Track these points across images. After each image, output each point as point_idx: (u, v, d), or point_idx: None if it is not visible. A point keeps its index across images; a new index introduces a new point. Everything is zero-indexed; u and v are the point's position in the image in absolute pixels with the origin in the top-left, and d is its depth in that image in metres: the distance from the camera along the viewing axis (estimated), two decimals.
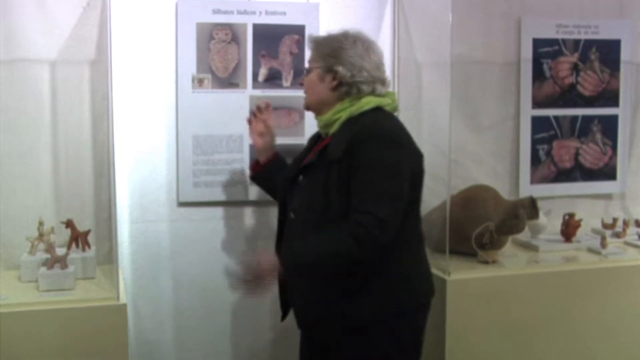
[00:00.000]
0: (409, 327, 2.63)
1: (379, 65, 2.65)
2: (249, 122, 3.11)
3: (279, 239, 2.85)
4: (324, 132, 2.70)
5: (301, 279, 2.64)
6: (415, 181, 2.58)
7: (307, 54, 2.83)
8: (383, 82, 2.65)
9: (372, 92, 2.61)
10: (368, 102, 2.59)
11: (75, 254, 3.02)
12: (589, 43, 3.88)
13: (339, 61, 2.59)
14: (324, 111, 2.66)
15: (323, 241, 2.47)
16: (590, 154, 3.95)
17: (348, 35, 2.66)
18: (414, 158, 2.59)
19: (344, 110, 2.59)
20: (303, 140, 3.35)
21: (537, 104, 3.82)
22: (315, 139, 2.80)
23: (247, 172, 3.31)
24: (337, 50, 2.61)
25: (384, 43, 3.52)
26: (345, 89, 2.60)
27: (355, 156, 2.46)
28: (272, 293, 3.48)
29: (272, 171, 3.06)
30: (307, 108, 2.75)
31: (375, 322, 2.55)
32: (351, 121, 2.57)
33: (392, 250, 2.49)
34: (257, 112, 3.10)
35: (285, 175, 2.82)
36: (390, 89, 2.71)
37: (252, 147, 3.33)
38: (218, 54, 3.30)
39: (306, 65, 2.78)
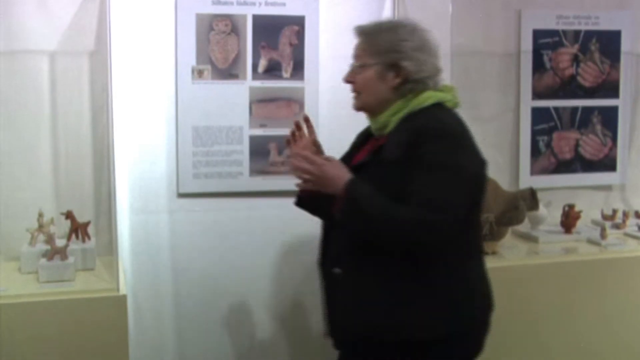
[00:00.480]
0: (473, 349, 2.45)
1: (438, 54, 2.42)
2: (288, 143, 2.69)
3: (324, 247, 2.58)
4: (378, 133, 2.44)
5: (350, 268, 2.36)
6: (478, 187, 2.36)
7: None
8: (440, 74, 2.43)
9: (435, 86, 2.39)
10: (429, 98, 2.35)
11: (75, 245, 3.02)
12: (589, 34, 3.87)
13: (404, 56, 2.34)
14: (380, 111, 2.40)
15: (394, 206, 2.20)
16: (590, 145, 3.95)
17: (404, 24, 2.41)
18: (477, 161, 2.34)
19: (403, 108, 2.35)
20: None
21: (537, 95, 3.82)
22: (364, 135, 2.57)
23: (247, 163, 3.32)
24: (399, 44, 2.35)
25: None
26: (411, 86, 2.35)
27: (417, 156, 2.22)
28: (268, 285, 3.50)
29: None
30: (361, 109, 2.47)
31: (438, 340, 2.30)
32: (410, 118, 2.33)
33: (455, 259, 2.31)
34: (298, 131, 2.67)
35: None
36: (448, 84, 2.48)
37: (252, 138, 3.34)
38: (218, 45, 3.29)
39: (351, 60, 2.47)
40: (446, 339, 2.31)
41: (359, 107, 2.47)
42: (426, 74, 2.35)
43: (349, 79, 2.46)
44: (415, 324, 2.28)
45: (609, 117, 3.96)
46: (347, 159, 2.54)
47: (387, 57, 2.36)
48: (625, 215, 3.87)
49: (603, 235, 3.60)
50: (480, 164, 2.35)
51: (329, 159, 2.39)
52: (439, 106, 2.36)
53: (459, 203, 2.22)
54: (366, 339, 2.36)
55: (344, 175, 2.30)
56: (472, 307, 2.40)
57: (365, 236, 2.29)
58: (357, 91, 2.44)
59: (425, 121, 2.30)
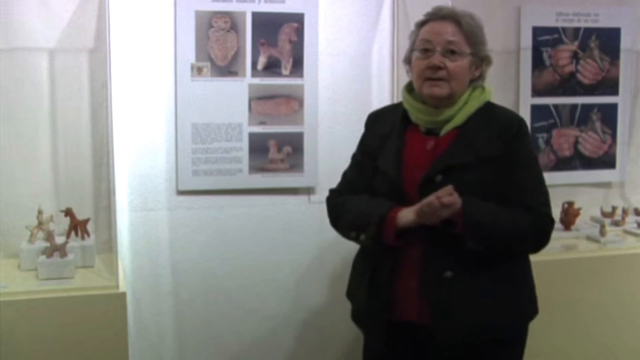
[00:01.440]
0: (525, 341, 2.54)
1: None
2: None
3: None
4: (435, 126, 2.38)
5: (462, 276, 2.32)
6: None
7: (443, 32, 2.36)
8: None
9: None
10: (490, 92, 2.44)
11: (74, 243, 3.02)
12: (589, 31, 3.86)
13: (485, 48, 2.41)
14: (449, 104, 2.36)
15: (509, 214, 2.27)
16: (590, 142, 3.95)
17: (469, 13, 2.40)
18: None
19: (474, 103, 2.37)
20: (302, 128, 3.37)
21: (536, 92, 3.81)
22: (398, 127, 2.45)
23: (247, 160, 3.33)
24: (480, 33, 2.39)
25: (384, 31, 3.52)
26: (481, 80, 2.43)
27: (512, 152, 2.30)
28: (268, 282, 3.50)
29: None
30: (447, 97, 2.35)
31: (520, 333, 2.48)
32: (484, 112, 2.38)
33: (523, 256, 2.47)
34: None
35: (407, 176, 2.39)
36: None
37: (251, 135, 3.34)
38: (217, 42, 3.29)
39: (449, 46, 2.34)
40: (524, 332, 2.49)
41: (446, 95, 2.35)
42: (489, 65, 2.45)
43: (438, 63, 2.33)
44: (508, 322, 2.38)
45: (609, 115, 3.95)
46: (391, 154, 2.41)
47: (480, 50, 2.39)
48: (625, 212, 3.87)
49: (602, 232, 3.60)
50: None
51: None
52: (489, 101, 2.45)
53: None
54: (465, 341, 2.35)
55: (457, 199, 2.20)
56: (533, 299, 2.52)
57: (494, 250, 2.31)
58: (443, 78, 2.34)
59: (508, 116, 2.41)
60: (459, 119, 2.35)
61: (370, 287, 2.43)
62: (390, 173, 2.40)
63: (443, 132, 2.38)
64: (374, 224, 2.31)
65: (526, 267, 2.48)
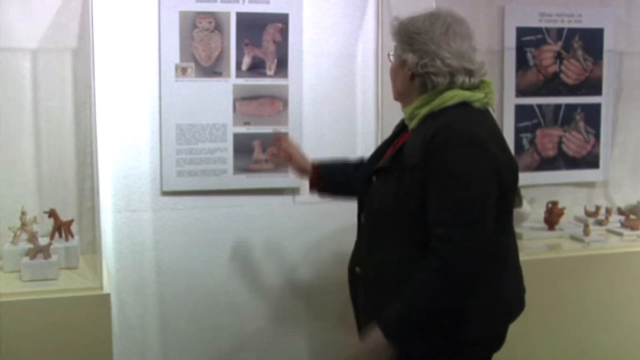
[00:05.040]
0: (493, 348, 2.45)
1: (462, 53, 2.28)
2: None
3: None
4: (408, 124, 2.39)
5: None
6: (505, 191, 2.24)
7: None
8: (469, 72, 2.29)
9: (453, 84, 2.27)
10: (452, 97, 2.25)
11: (58, 244, 3.01)
12: (572, 32, 3.88)
13: (411, 48, 2.29)
14: (406, 103, 2.36)
15: (413, 295, 2.17)
16: (574, 142, 3.97)
17: (431, 15, 2.32)
18: (501, 164, 2.22)
19: (424, 106, 2.29)
20: (287, 128, 3.36)
21: (520, 92, 3.83)
22: (401, 127, 2.50)
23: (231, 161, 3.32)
24: (412, 36, 2.29)
25: (368, 31, 3.53)
26: (419, 80, 2.29)
27: (432, 163, 2.16)
28: (252, 283, 3.50)
29: (327, 181, 2.80)
30: (396, 97, 2.44)
31: (470, 343, 2.31)
32: (430, 118, 2.25)
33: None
34: (276, 145, 2.86)
35: (363, 171, 2.54)
36: (487, 79, 2.36)
37: (236, 136, 3.33)
38: (201, 43, 3.28)
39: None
40: (480, 342, 2.35)
41: (395, 95, 2.44)
42: (431, 69, 2.26)
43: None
44: (455, 332, 2.28)
45: (592, 114, 3.98)
46: (381, 150, 2.53)
47: (401, 48, 2.35)
48: (608, 211, 3.89)
49: (586, 231, 3.62)
50: (505, 164, 2.24)
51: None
52: (464, 106, 2.27)
53: (477, 221, 2.14)
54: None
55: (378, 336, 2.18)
56: (500, 311, 2.37)
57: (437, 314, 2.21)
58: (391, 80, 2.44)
59: (442, 123, 2.21)
60: (413, 123, 2.33)
61: None
62: (364, 167, 2.55)
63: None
64: None
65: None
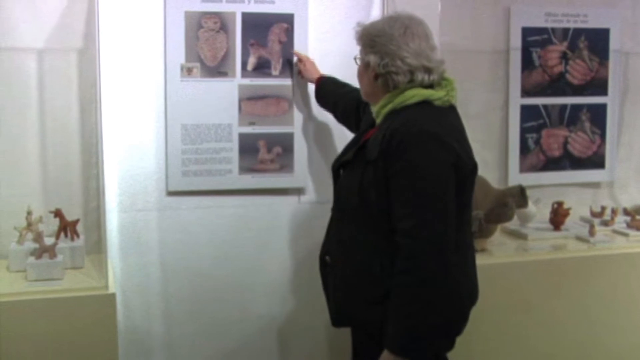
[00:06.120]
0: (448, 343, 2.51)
1: (420, 52, 2.40)
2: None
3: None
4: (375, 120, 2.53)
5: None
6: (463, 185, 2.36)
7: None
8: (428, 70, 2.41)
9: (413, 83, 2.39)
10: (413, 96, 2.38)
11: (63, 244, 3.01)
12: (578, 32, 3.88)
13: (372, 50, 2.43)
14: (374, 102, 2.50)
15: (403, 305, 2.29)
16: (579, 142, 3.97)
17: (390, 19, 2.47)
18: (458, 157, 2.33)
19: (387, 104, 2.42)
20: (292, 129, 3.36)
21: (526, 92, 3.83)
22: (372, 122, 2.59)
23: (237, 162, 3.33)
24: (374, 39, 2.44)
25: None
26: (382, 80, 2.43)
27: (391, 159, 2.30)
28: (257, 282, 3.50)
29: (325, 90, 3.22)
30: (364, 99, 2.63)
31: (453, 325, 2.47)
32: (392, 116, 2.39)
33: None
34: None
35: (333, 163, 2.70)
36: (449, 77, 2.50)
37: (241, 136, 3.33)
38: (207, 43, 3.28)
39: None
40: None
41: (363, 94, 2.60)
42: (392, 69, 2.39)
43: None
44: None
45: (598, 115, 3.97)
46: (355, 140, 2.66)
47: (364, 51, 2.50)
48: (614, 212, 3.88)
49: (591, 232, 3.62)
50: (462, 158, 2.34)
51: None
52: (424, 104, 2.39)
53: (437, 216, 2.27)
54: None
55: None
56: (453, 302, 2.40)
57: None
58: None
59: (400, 121, 2.35)
60: (378, 120, 2.48)
61: None
62: (336, 159, 2.71)
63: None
64: None
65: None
